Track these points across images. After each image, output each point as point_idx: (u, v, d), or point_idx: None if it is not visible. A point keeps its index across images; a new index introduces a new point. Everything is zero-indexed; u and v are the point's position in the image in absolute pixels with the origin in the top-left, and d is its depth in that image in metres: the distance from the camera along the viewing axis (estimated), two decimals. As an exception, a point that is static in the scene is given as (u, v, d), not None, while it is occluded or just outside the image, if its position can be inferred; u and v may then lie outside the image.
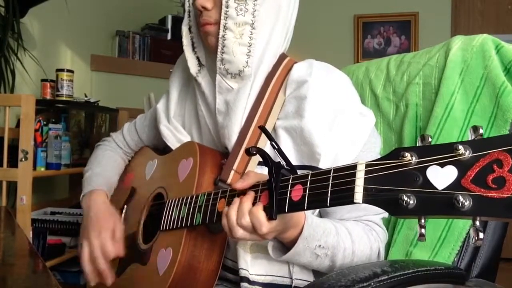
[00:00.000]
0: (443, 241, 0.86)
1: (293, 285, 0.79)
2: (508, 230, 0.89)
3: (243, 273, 0.78)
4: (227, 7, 0.81)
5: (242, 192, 0.69)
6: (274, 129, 0.84)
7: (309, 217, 0.74)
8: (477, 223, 0.43)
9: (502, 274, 0.96)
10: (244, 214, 0.66)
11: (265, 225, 0.64)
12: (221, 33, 0.82)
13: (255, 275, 0.78)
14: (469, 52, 0.91)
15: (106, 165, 1.10)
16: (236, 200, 0.68)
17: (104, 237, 0.91)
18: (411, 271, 0.67)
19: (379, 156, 0.85)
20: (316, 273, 0.82)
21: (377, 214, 0.82)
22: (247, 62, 0.83)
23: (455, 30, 3.39)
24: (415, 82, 0.99)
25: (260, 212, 0.64)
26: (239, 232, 0.67)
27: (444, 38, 1.10)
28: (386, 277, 0.63)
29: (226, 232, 0.70)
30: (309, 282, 0.80)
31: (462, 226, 0.85)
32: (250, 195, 0.67)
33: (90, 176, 1.06)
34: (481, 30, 3.28)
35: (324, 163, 0.78)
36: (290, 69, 0.87)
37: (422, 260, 0.85)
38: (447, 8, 3.43)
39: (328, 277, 0.65)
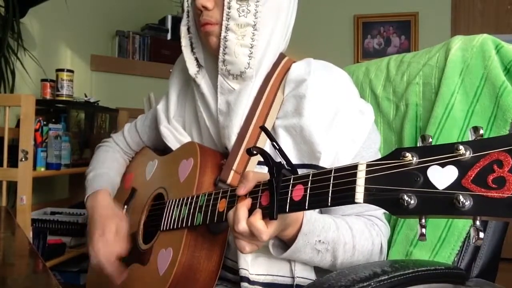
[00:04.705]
0: (443, 241, 0.86)
1: (295, 283, 0.79)
2: (508, 230, 0.89)
3: (243, 273, 0.78)
4: (229, 8, 0.81)
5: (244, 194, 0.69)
6: (273, 128, 0.84)
7: (308, 213, 0.73)
8: (478, 222, 0.43)
9: (502, 274, 0.96)
10: (242, 226, 0.65)
11: (266, 234, 0.64)
12: (222, 34, 0.82)
13: (256, 274, 0.78)
14: (469, 52, 0.91)
15: (108, 165, 1.10)
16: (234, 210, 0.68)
17: (107, 238, 0.90)
18: (411, 271, 0.67)
19: (378, 153, 0.86)
20: (317, 271, 0.82)
21: (379, 209, 0.82)
22: (249, 64, 0.82)
23: (455, 30, 3.39)
24: (415, 82, 0.99)
25: (258, 222, 0.64)
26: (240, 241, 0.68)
27: (444, 38, 1.10)
28: (386, 277, 0.63)
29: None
30: (311, 280, 0.80)
31: (462, 226, 0.85)
32: (246, 202, 0.67)
33: (93, 177, 1.05)
34: (481, 30, 3.27)
35: (325, 161, 0.78)
36: (288, 69, 0.87)
37: (422, 260, 0.85)
38: (447, 8, 3.43)
39: (328, 277, 0.65)
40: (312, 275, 0.81)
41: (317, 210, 0.83)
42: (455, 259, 0.85)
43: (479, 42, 0.90)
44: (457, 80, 0.90)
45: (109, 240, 0.90)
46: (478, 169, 0.44)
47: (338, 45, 3.59)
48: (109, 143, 1.17)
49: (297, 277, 0.79)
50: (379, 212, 0.83)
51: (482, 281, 0.85)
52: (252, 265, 0.79)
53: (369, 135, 0.83)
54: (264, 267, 0.79)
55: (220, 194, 0.74)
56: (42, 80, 2.11)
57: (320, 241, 0.74)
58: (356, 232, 0.77)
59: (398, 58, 1.07)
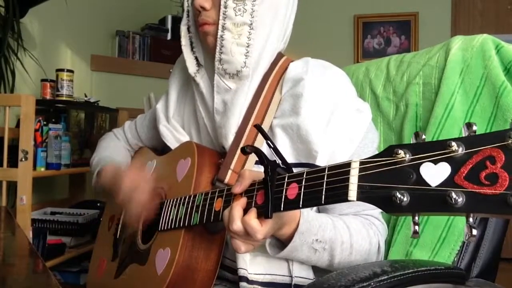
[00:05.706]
0: (443, 241, 0.86)
1: (293, 283, 0.79)
2: (508, 230, 0.89)
3: (241, 272, 0.78)
4: (225, 7, 0.81)
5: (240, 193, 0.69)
6: (271, 127, 0.84)
7: (305, 211, 0.73)
8: (471, 219, 0.43)
9: (502, 274, 0.96)
10: (237, 225, 0.65)
11: (260, 232, 0.64)
12: (219, 33, 0.82)
13: (254, 274, 0.78)
14: (469, 52, 0.91)
15: (113, 151, 1.11)
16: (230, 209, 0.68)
17: (136, 198, 0.88)
18: (411, 271, 0.67)
19: (376, 152, 0.85)
20: (316, 271, 0.81)
21: (376, 208, 0.82)
22: (245, 63, 0.82)
23: (455, 30, 3.39)
24: (415, 82, 0.99)
25: (253, 221, 0.64)
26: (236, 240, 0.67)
27: (444, 38, 1.10)
28: (386, 277, 0.63)
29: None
30: (309, 279, 0.80)
31: (462, 226, 0.85)
32: (241, 202, 0.67)
33: (99, 160, 1.07)
34: (481, 30, 3.28)
35: (321, 160, 0.78)
36: (286, 68, 0.87)
37: (422, 260, 0.85)
38: (447, 8, 3.43)
39: (328, 277, 0.65)
40: (310, 275, 0.81)
41: (315, 209, 0.83)
42: (455, 259, 0.85)
43: (479, 42, 0.90)
44: (457, 80, 0.90)
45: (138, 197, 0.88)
46: (471, 166, 0.43)
47: (338, 45, 3.59)
48: (111, 136, 1.19)
49: (295, 276, 0.79)
50: (377, 211, 0.83)
51: (482, 281, 0.85)
52: (251, 265, 0.79)
53: (367, 134, 0.83)
54: (262, 266, 0.79)
55: (217, 194, 0.74)
56: (42, 80, 2.11)
57: (317, 240, 0.73)
58: (354, 231, 0.77)
59: (398, 58, 1.07)
